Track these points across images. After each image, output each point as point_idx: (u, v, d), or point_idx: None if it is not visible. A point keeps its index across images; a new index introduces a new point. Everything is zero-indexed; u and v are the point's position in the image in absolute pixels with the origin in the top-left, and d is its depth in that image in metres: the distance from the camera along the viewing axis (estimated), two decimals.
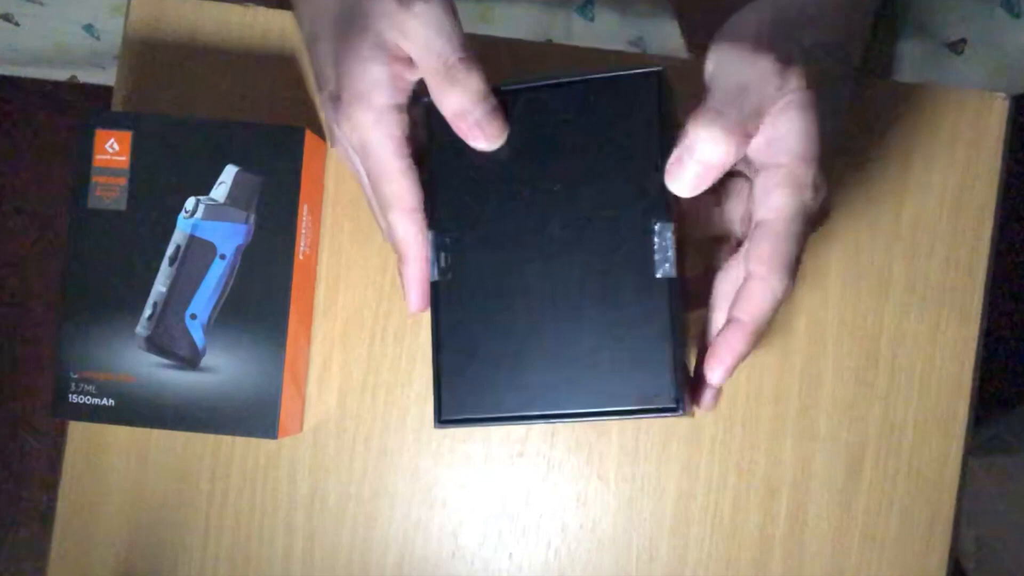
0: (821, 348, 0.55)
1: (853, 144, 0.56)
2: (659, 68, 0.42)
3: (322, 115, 0.49)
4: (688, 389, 0.42)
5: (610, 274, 0.41)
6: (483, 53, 0.57)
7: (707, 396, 0.42)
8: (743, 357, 0.40)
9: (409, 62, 0.44)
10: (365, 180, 0.47)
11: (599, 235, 0.42)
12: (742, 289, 0.40)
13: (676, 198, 0.41)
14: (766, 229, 0.39)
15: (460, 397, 0.43)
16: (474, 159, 0.44)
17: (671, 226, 0.41)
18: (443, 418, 0.43)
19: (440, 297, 0.43)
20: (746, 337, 0.40)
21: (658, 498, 0.56)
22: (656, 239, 0.41)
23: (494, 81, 0.44)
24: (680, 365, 0.41)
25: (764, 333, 0.40)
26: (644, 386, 0.40)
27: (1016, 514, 1.06)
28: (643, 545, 0.56)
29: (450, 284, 0.43)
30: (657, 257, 0.41)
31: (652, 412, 0.41)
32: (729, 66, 0.40)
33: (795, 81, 0.39)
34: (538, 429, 0.56)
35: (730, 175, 0.44)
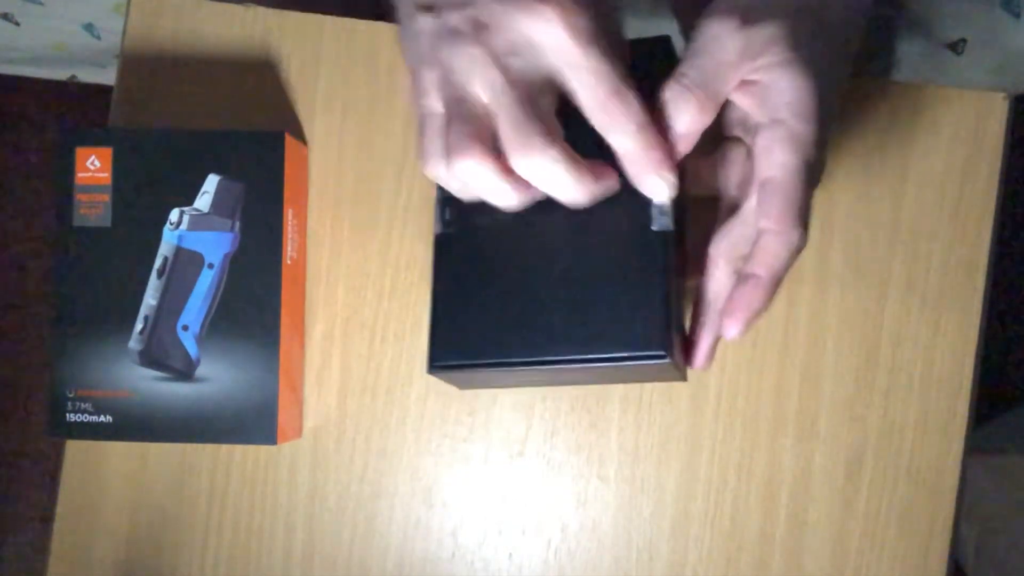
0: (821, 348, 0.55)
1: (853, 144, 0.56)
2: (665, 36, 0.44)
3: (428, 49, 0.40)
4: (681, 348, 0.43)
5: (608, 229, 0.42)
6: None
7: (700, 355, 0.43)
8: (760, 312, 0.41)
9: None
10: (510, 106, 0.39)
11: None
12: (757, 245, 0.40)
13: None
14: (773, 186, 0.40)
15: (453, 343, 0.43)
16: None
17: None
18: (435, 363, 0.43)
19: (441, 248, 0.44)
20: (764, 291, 0.40)
21: (658, 498, 0.56)
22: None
23: None
24: (672, 315, 0.41)
25: (778, 288, 0.41)
26: (635, 333, 0.41)
27: (1016, 514, 1.06)
28: (643, 545, 0.56)
29: (452, 236, 0.44)
30: (654, 211, 0.42)
31: (640, 359, 0.41)
32: (695, 34, 0.41)
33: (767, 41, 0.39)
34: (538, 428, 0.56)
35: (726, 139, 0.45)
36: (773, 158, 0.40)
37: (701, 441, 0.56)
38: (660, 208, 0.42)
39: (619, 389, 0.56)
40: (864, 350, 0.55)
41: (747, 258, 0.41)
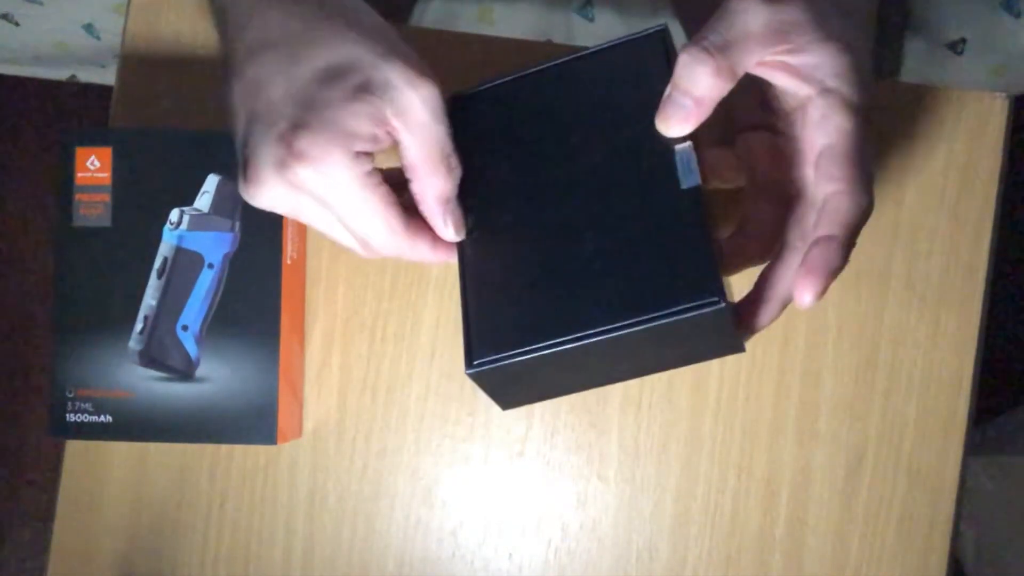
0: (821, 348, 0.55)
1: None
2: (661, 27, 0.44)
3: (253, 156, 0.41)
4: (736, 320, 0.41)
5: (635, 197, 0.41)
6: (483, 53, 0.57)
7: (764, 315, 0.42)
8: (837, 273, 0.39)
9: (381, 140, 0.43)
10: (329, 221, 0.44)
11: (620, 170, 0.42)
12: (825, 210, 0.40)
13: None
14: (836, 151, 0.40)
15: (491, 338, 0.40)
16: (500, 139, 0.45)
17: (690, 143, 0.41)
18: (475, 361, 0.40)
19: (466, 253, 0.43)
20: (840, 249, 0.39)
21: (658, 498, 0.56)
22: (677, 158, 0.41)
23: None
24: (718, 263, 0.40)
25: (851, 251, 0.39)
26: (683, 287, 0.39)
27: (1016, 514, 1.06)
28: (643, 545, 0.56)
29: (475, 240, 0.43)
30: (680, 171, 0.41)
31: (694, 309, 0.38)
32: (718, 11, 0.40)
33: (795, 21, 0.39)
34: (538, 428, 0.56)
35: (743, 132, 0.44)
36: (831, 124, 0.40)
37: (701, 441, 0.56)
38: (687, 165, 0.41)
39: (619, 389, 0.56)
40: (864, 350, 0.55)
41: (815, 225, 0.40)
